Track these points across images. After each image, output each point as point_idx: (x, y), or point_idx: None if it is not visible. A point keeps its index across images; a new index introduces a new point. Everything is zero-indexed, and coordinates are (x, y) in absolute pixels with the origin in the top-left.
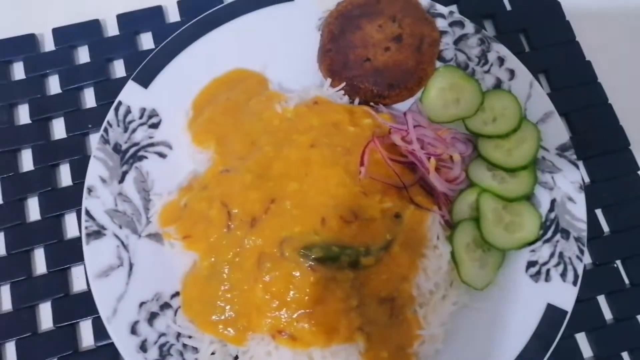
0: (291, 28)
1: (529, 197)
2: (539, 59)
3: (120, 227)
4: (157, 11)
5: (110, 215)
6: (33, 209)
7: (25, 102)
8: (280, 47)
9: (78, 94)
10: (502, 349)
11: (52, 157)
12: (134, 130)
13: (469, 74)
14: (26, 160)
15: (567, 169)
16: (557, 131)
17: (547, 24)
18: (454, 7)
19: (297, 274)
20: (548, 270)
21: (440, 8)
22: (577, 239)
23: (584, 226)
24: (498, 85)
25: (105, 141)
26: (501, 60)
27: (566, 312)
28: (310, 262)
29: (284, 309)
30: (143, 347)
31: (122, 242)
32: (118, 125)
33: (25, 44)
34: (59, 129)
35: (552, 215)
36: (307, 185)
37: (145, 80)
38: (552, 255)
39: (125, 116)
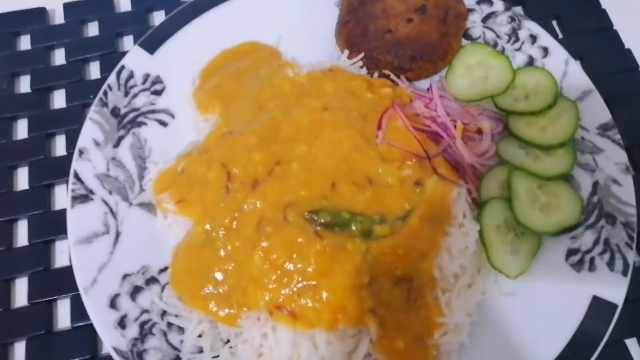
0: (308, 2)
1: (567, 179)
2: (573, 45)
3: (110, 193)
4: None
5: (101, 180)
6: (22, 178)
7: (27, 72)
8: (296, 22)
9: (83, 66)
10: (539, 347)
11: (48, 126)
12: (135, 95)
13: (498, 52)
14: (21, 129)
15: (611, 149)
16: (598, 110)
17: (581, 11)
18: None
19: (301, 240)
20: (592, 259)
21: None
22: (626, 225)
23: (633, 210)
24: (530, 63)
25: (104, 104)
26: (533, 38)
27: (616, 306)
28: (316, 228)
29: (285, 281)
30: (122, 323)
31: (111, 209)
32: (119, 89)
33: (35, 17)
34: (59, 100)
35: (595, 199)
36: (317, 148)
37: (151, 47)
38: (596, 242)
39: (127, 80)
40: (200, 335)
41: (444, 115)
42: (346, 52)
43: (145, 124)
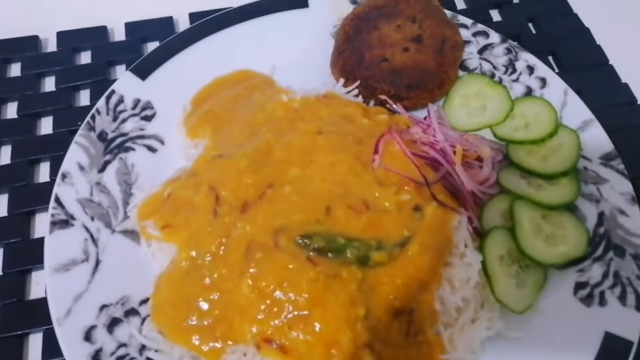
0: (304, 34)
1: (572, 210)
2: (570, 80)
3: (92, 219)
4: (168, 21)
5: (83, 205)
6: (1, 204)
7: (15, 99)
8: (291, 53)
9: (72, 93)
10: None
11: (32, 152)
12: (124, 120)
13: (496, 82)
14: (4, 155)
15: (615, 179)
16: (599, 140)
17: (577, 46)
18: None
19: (293, 267)
20: (602, 293)
21: (463, 19)
22: (635, 257)
23: None
24: (528, 93)
25: (91, 128)
26: (531, 69)
27: (631, 343)
28: (309, 253)
29: (274, 311)
30: (96, 358)
31: (92, 236)
32: (107, 114)
33: (27, 45)
34: (46, 126)
35: (602, 230)
36: (310, 171)
37: (143, 73)
38: (605, 275)
39: (116, 105)
40: None
41: (442, 141)
42: (342, 80)
43: (133, 149)
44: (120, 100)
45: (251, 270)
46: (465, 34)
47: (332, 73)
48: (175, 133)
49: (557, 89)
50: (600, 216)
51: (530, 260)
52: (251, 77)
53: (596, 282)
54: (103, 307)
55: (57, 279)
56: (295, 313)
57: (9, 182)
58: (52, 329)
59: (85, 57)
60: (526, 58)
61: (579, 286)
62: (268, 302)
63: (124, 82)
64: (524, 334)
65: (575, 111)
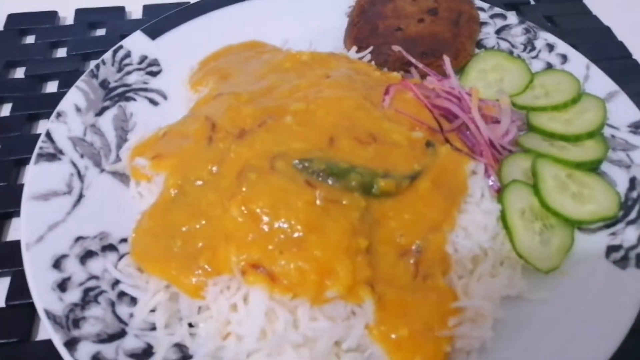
0: (318, 11)
1: (599, 174)
2: None
3: (82, 157)
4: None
5: (74, 143)
6: None
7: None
8: (305, 29)
9: (82, 61)
10: (582, 356)
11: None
12: (128, 73)
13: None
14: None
15: None
16: (627, 109)
17: (599, 43)
18: None
19: (289, 189)
20: (638, 255)
21: (480, 2)
22: None
23: None
24: (549, 68)
25: (94, 76)
26: (550, 47)
27: None
28: (308, 177)
29: (265, 235)
30: (62, 286)
31: (79, 172)
32: (112, 65)
33: (45, 19)
34: (51, 88)
35: (635, 194)
36: (315, 105)
37: (154, 33)
38: None
39: (123, 59)
40: (154, 310)
41: (458, 86)
42: (354, 48)
43: (134, 99)
44: (127, 55)
45: (243, 190)
46: (482, 16)
47: (345, 46)
48: (180, 90)
49: (579, 63)
50: (632, 180)
51: (555, 216)
52: (262, 46)
53: (631, 245)
54: (79, 239)
55: (33, 206)
56: (289, 237)
57: (4, 132)
58: (21, 272)
59: (100, 31)
60: (545, 37)
61: (612, 249)
62: (259, 226)
63: (133, 39)
64: (552, 298)
65: (599, 83)
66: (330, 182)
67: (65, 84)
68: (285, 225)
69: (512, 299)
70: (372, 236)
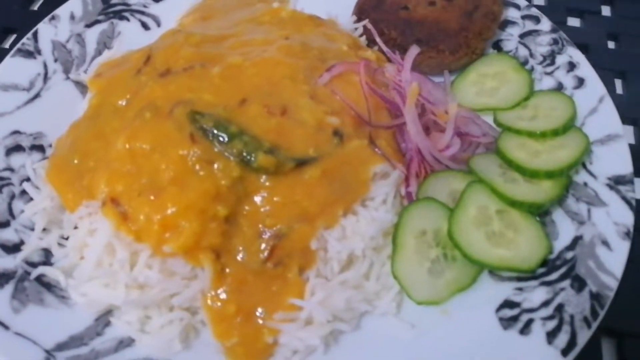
0: None
1: (544, 221)
2: (633, 106)
3: (55, 61)
4: None
5: (55, 46)
6: None
7: None
8: None
9: None
10: None
11: None
12: None
13: (524, 67)
14: None
15: (616, 206)
16: (618, 159)
17: None
18: None
19: (171, 137)
20: (530, 321)
21: None
22: (596, 296)
23: (614, 283)
24: (558, 89)
25: None
26: (571, 66)
27: None
28: (195, 130)
29: (134, 173)
30: None
31: (46, 74)
32: None
33: None
34: None
35: (569, 255)
36: (250, 63)
37: None
38: (545, 304)
39: None
40: (37, 213)
41: (406, 82)
42: (354, 17)
43: (128, 19)
44: None
45: (133, 125)
46: (513, 14)
47: (352, 11)
48: (174, 20)
49: (593, 93)
50: (576, 240)
51: (457, 248)
52: None
53: (530, 308)
54: (14, 133)
55: None
56: (152, 183)
57: None
58: None
59: None
60: (572, 54)
61: (507, 304)
62: (132, 164)
63: None
64: (416, 329)
65: (604, 122)
66: (213, 141)
67: None
68: (153, 171)
69: (377, 317)
70: (237, 207)
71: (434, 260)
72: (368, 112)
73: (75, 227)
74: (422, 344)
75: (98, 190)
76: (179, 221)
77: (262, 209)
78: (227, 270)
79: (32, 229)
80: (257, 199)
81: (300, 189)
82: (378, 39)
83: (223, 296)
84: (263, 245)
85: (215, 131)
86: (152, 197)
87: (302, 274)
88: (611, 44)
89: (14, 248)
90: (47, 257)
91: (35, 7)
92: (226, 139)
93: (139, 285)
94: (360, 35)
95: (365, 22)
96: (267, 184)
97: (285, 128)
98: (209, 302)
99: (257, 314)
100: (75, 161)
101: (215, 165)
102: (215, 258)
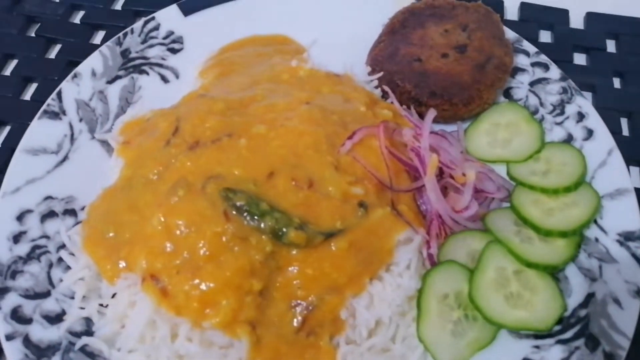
0: (356, 17)
1: (558, 279)
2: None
3: (80, 121)
4: None
5: (79, 105)
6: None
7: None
8: (338, 32)
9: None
10: None
11: None
12: (151, 46)
13: (535, 119)
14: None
15: (627, 263)
16: (628, 215)
17: None
18: None
19: (206, 214)
20: None
21: (528, 45)
22: (609, 356)
23: (626, 343)
24: (568, 141)
25: (119, 43)
26: (581, 116)
27: None
28: (227, 208)
29: (171, 251)
30: (16, 238)
31: (72, 134)
32: (139, 35)
33: None
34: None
35: (583, 313)
36: (275, 133)
37: (188, 10)
38: None
39: (151, 31)
40: (82, 279)
41: (425, 148)
42: (368, 68)
43: (147, 73)
44: (156, 28)
45: (169, 202)
46: (523, 61)
47: (366, 61)
48: (193, 72)
49: (602, 145)
50: (589, 297)
51: (478, 312)
52: (286, 43)
53: None
54: (48, 198)
55: (22, 159)
56: (189, 260)
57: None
58: None
59: None
60: (581, 104)
61: None
62: (169, 241)
63: (166, 12)
64: None
65: (613, 176)
66: (246, 218)
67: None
68: (190, 249)
69: None
70: (270, 280)
71: (456, 322)
72: (389, 177)
73: (113, 295)
74: None
75: (136, 265)
76: (217, 298)
77: (293, 282)
78: (263, 340)
79: (72, 297)
80: (288, 271)
81: (328, 261)
82: (395, 101)
83: None
84: (296, 317)
85: (247, 208)
86: (190, 275)
87: (332, 339)
88: (617, 82)
89: (56, 318)
90: (88, 326)
91: (32, 34)
92: (258, 216)
93: (179, 356)
94: (376, 87)
95: (380, 74)
96: (297, 257)
97: (312, 201)
98: None
99: None
100: (111, 234)
101: (250, 241)
102: (251, 330)
